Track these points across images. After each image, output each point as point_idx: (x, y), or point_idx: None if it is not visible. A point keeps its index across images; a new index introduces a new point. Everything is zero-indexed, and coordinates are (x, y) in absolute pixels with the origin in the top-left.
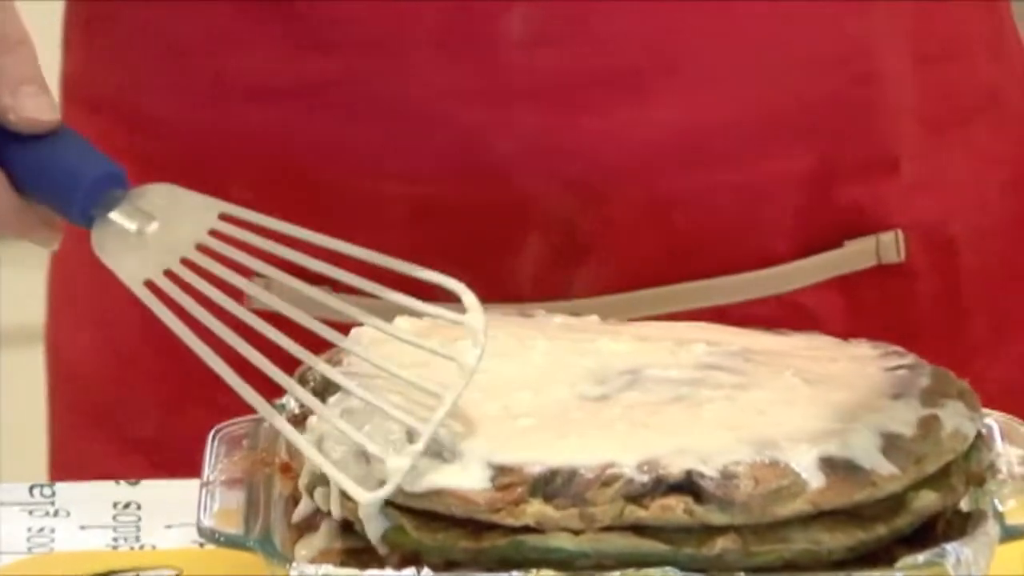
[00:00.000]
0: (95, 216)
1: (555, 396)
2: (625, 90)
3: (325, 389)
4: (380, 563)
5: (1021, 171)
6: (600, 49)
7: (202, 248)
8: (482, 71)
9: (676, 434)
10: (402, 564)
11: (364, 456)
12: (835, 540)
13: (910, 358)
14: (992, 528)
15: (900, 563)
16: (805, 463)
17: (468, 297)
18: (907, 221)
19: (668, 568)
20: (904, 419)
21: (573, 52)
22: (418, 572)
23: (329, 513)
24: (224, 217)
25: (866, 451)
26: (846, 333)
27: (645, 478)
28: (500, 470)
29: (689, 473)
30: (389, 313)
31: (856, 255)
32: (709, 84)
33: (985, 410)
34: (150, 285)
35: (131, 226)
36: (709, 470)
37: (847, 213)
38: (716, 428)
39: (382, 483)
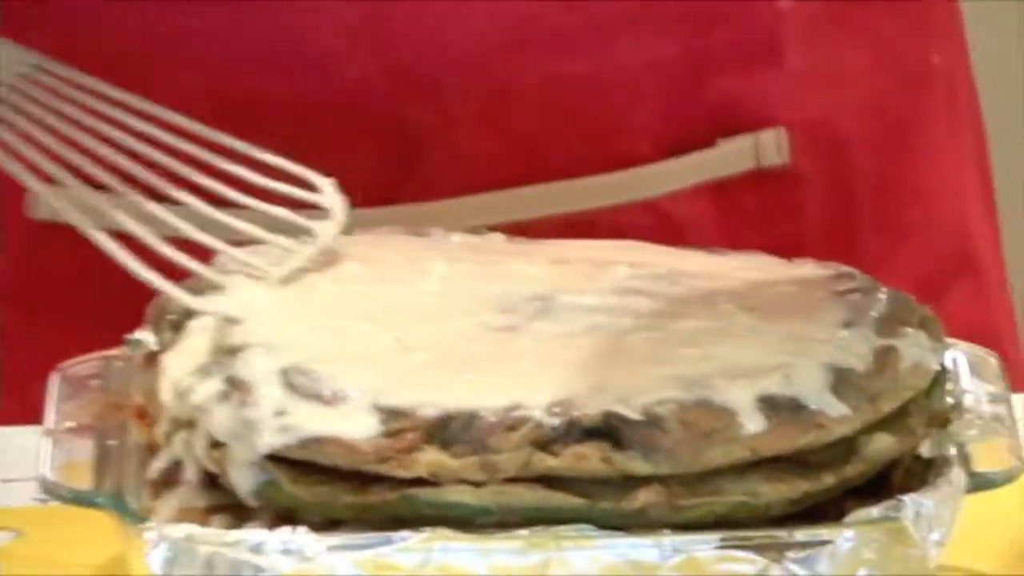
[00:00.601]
0: None
1: (454, 327)
2: None
3: (184, 323)
4: (251, 522)
5: (923, 66)
6: None
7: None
8: None
9: (592, 371)
10: (276, 523)
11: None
12: (776, 492)
13: (863, 280)
14: (957, 477)
15: (850, 518)
16: (742, 403)
17: (323, 180)
18: (791, 119)
19: (583, 525)
20: (856, 351)
21: None
22: (293, 532)
23: (192, 464)
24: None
25: (812, 389)
26: (721, 245)
27: (556, 422)
28: (389, 414)
29: (607, 416)
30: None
31: (732, 156)
32: None
33: (950, 340)
34: None
35: None
36: (630, 412)
37: (720, 109)
38: (639, 363)
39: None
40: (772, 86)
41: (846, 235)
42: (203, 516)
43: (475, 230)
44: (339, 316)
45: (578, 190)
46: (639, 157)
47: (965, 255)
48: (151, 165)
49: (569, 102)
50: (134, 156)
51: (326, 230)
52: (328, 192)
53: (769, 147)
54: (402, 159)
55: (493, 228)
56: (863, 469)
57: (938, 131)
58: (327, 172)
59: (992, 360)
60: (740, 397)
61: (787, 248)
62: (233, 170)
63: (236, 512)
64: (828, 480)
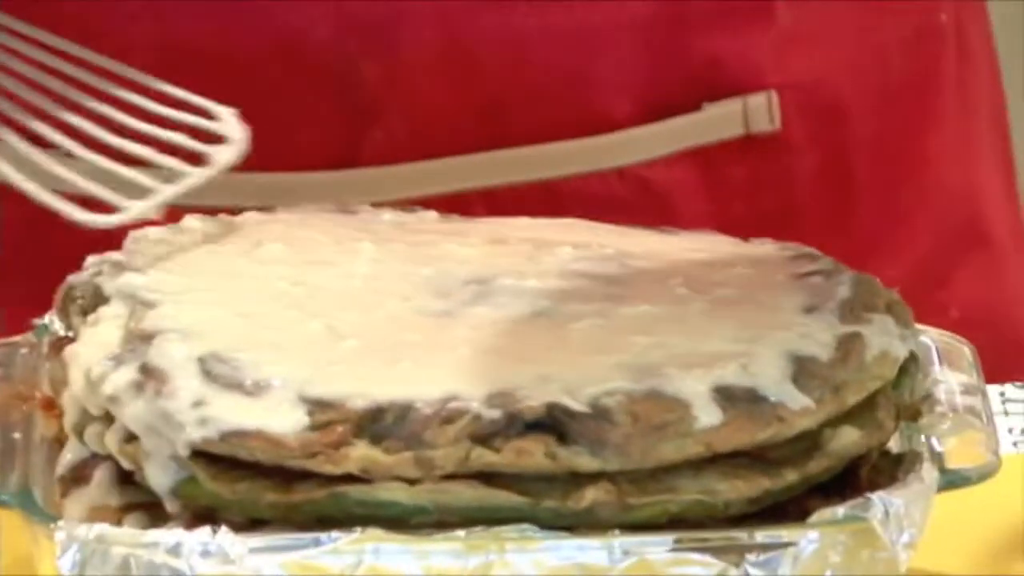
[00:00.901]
0: None
1: (385, 313)
2: None
3: (94, 308)
4: (167, 522)
5: (926, 25)
6: None
7: None
8: None
9: (535, 359)
10: (195, 523)
11: None
12: (734, 490)
13: (826, 261)
14: (929, 473)
15: (814, 517)
16: (696, 394)
17: (223, 109)
18: (782, 81)
19: (526, 526)
20: (819, 338)
21: None
22: (214, 533)
23: (105, 459)
24: None
25: (772, 379)
26: (707, 218)
27: (496, 414)
28: (316, 405)
29: (551, 408)
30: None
31: (718, 121)
32: None
33: (920, 327)
34: None
35: None
36: (576, 404)
37: (705, 69)
38: (585, 352)
39: None
40: (762, 46)
41: (842, 207)
42: (116, 515)
43: (407, 207)
44: (262, 300)
45: (550, 155)
46: (616, 121)
47: (976, 229)
48: (49, 93)
49: (539, 59)
50: (32, 84)
51: (222, 155)
52: (228, 120)
53: (759, 112)
54: (357, 119)
55: (458, 196)
56: (827, 465)
57: (946, 95)
58: (280, 131)
59: (966, 348)
60: (694, 388)
61: (777, 221)
62: (134, 100)
63: (152, 511)
64: (790, 477)
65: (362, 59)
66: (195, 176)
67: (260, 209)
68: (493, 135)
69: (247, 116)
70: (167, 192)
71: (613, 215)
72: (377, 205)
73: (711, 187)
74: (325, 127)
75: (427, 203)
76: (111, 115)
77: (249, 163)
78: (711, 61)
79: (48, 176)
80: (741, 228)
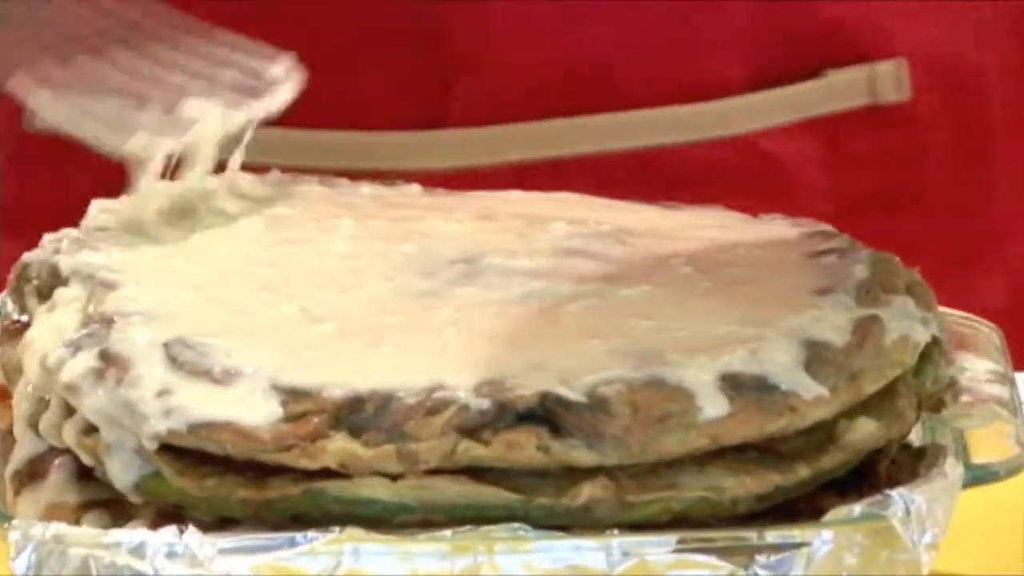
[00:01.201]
0: None
1: (365, 294)
2: None
3: (51, 289)
4: (130, 520)
5: None
6: None
7: None
8: None
9: (526, 345)
10: (160, 522)
11: None
12: (741, 486)
13: (841, 239)
14: (953, 468)
15: (829, 516)
16: (701, 383)
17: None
18: (913, 49)
19: (517, 525)
20: (834, 322)
21: None
22: (180, 533)
23: (62, 453)
24: None
25: (783, 365)
26: (825, 194)
27: (485, 404)
28: (291, 395)
29: (544, 397)
30: None
31: (842, 90)
32: None
33: (944, 310)
34: None
35: None
36: (571, 393)
37: (828, 33)
38: (580, 336)
39: None
40: (890, 9)
41: (976, 185)
42: (75, 514)
43: (388, 181)
44: (232, 282)
45: (655, 121)
46: (729, 86)
47: None
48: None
49: (645, 16)
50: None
51: (275, 96)
52: (284, 63)
53: (887, 80)
54: (444, 77)
55: (549, 163)
56: (843, 459)
57: None
58: (362, 90)
59: (993, 333)
60: (698, 375)
61: (904, 199)
62: (191, 42)
63: (113, 509)
64: (802, 472)
65: (451, 12)
66: (250, 110)
67: (341, 173)
68: (593, 98)
69: (329, 73)
70: (232, 118)
71: (722, 187)
72: (467, 170)
73: (831, 160)
74: (410, 85)
75: (518, 169)
76: (167, 56)
77: (330, 122)
78: (834, 24)
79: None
80: (863, 206)
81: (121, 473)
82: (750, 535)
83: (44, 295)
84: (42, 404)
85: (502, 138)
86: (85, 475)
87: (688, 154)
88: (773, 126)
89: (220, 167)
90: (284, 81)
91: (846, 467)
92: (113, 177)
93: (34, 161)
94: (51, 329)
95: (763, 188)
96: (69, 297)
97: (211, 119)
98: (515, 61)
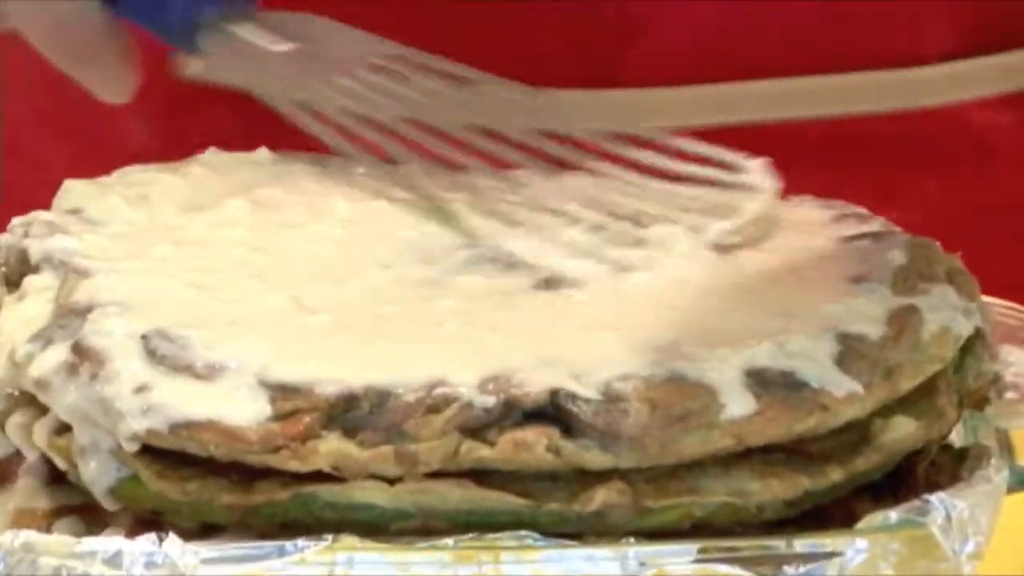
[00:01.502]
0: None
1: (360, 283)
2: None
3: (20, 276)
4: (105, 527)
5: None
6: None
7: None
8: None
9: (535, 338)
10: (137, 529)
11: None
12: (768, 490)
13: (877, 223)
14: (997, 471)
15: (863, 523)
16: (724, 378)
17: (751, 161)
18: None
19: (525, 532)
20: (868, 313)
21: None
22: (160, 541)
23: (32, 455)
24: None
25: (813, 360)
26: None
27: (490, 401)
28: (280, 391)
29: (554, 394)
30: None
31: None
32: None
33: (987, 299)
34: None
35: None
36: (584, 389)
37: None
38: (594, 328)
39: None
40: None
41: None
42: (46, 520)
43: (385, 160)
44: (216, 269)
45: (849, 88)
46: (928, 54)
47: None
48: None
49: None
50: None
51: (750, 206)
52: (756, 171)
53: None
54: (618, 34)
55: (728, 129)
56: (878, 461)
57: None
58: (530, 47)
59: None
60: (722, 371)
61: None
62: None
63: (87, 515)
64: (834, 475)
65: None
66: (719, 227)
67: None
68: (772, 63)
69: (502, 32)
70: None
71: (918, 159)
72: (636, 136)
73: None
74: (581, 40)
75: (698, 135)
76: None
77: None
78: None
79: None
80: None
81: (96, 476)
82: (777, 544)
83: (12, 283)
84: (10, 402)
85: (677, 100)
86: (57, 479)
87: (881, 124)
88: (976, 97)
89: None
90: (761, 191)
91: (881, 470)
92: None
93: None
94: (20, 320)
95: (962, 162)
96: (40, 285)
97: None
98: (693, 16)
